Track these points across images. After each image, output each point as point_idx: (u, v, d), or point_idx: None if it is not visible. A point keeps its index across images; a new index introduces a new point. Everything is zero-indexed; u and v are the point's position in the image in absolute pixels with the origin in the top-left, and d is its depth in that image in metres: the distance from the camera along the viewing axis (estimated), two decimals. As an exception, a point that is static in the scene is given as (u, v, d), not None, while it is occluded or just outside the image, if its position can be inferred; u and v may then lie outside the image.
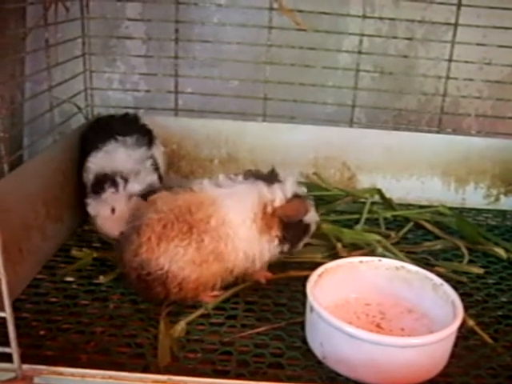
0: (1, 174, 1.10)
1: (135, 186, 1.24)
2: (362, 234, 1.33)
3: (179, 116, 1.65)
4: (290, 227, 1.09)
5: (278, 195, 1.07)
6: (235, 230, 1.03)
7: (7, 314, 0.59)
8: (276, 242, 1.08)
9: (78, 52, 1.56)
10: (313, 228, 1.17)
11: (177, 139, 1.59)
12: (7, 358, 0.64)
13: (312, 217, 1.15)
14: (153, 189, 1.24)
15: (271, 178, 1.11)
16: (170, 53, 1.62)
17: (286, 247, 1.11)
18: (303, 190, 1.14)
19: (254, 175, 1.11)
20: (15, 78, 1.52)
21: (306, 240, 1.18)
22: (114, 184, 1.23)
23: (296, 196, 1.10)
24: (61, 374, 0.69)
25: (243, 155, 1.62)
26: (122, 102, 1.75)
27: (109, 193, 1.23)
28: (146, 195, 1.19)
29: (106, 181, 1.24)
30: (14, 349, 0.61)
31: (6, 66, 1.39)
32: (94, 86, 1.61)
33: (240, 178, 1.11)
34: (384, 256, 1.16)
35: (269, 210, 1.06)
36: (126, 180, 1.24)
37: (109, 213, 1.24)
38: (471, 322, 1.02)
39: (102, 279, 1.14)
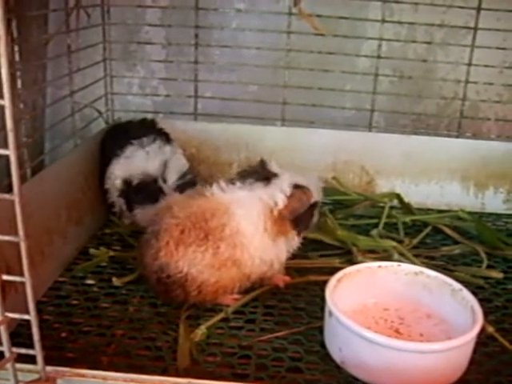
0: (23, 178, 1.11)
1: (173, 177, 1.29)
2: (378, 240, 1.32)
3: (198, 120, 1.67)
4: (299, 218, 1.10)
5: (278, 197, 1.07)
6: (249, 239, 1.04)
7: (32, 316, 0.60)
8: (296, 238, 1.11)
9: (99, 57, 1.58)
10: (318, 204, 1.17)
11: (196, 143, 1.59)
12: (31, 359, 0.66)
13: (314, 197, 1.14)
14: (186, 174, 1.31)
15: (265, 174, 1.11)
16: (189, 57, 1.63)
17: (302, 235, 1.14)
18: (298, 178, 1.13)
19: (249, 176, 1.11)
20: (37, 84, 1.54)
21: (316, 218, 1.18)
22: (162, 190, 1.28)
23: (295, 187, 1.10)
24: (83, 376, 0.70)
25: (262, 160, 1.62)
26: (142, 106, 1.76)
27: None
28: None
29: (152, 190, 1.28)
30: (38, 351, 0.63)
31: (29, 71, 1.41)
32: (114, 90, 1.63)
33: (238, 183, 1.10)
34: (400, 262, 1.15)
35: (275, 214, 1.06)
36: (164, 180, 1.27)
37: None
38: (491, 328, 1.01)
39: (115, 281, 1.14)
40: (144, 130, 1.41)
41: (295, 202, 1.08)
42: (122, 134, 1.40)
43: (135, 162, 1.31)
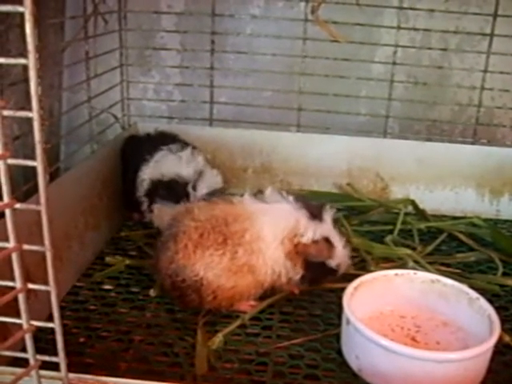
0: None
1: (203, 190, 1.29)
2: (393, 248, 1.33)
3: (213, 126, 1.68)
4: (311, 267, 1.09)
5: (309, 233, 1.07)
6: (267, 245, 1.05)
7: (56, 325, 0.60)
8: (299, 275, 1.09)
9: (115, 62, 1.59)
10: (340, 272, 1.14)
11: (211, 149, 1.60)
12: (52, 364, 0.66)
13: (340, 260, 1.12)
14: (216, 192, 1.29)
15: (316, 212, 1.10)
16: (203, 63, 1.64)
17: (305, 283, 1.13)
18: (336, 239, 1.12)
19: (303, 203, 1.11)
20: (54, 89, 1.56)
21: (329, 280, 1.17)
22: (187, 196, 1.28)
23: (326, 240, 1.09)
24: (105, 383, 0.70)
25: (277, 165, 1.63)
26: (157, 111, 1.78)
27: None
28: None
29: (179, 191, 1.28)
30: (61, 358, 0.63)
31: (46, 77, 1.42)
32: (130, 95, 1.64)
33: (291, 198, 1.11)
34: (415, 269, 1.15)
35: (295, 241, 1.06)
36: (194, 188, 1.28)
37: None
38: (507, 337, 1.01)
39: (151, 292, 1.14)
40: (169, 139, 1.42)
41: (314, 248, 1.08)
42: (149, 141, 1.43)
43: (167, 164, 1.32)
